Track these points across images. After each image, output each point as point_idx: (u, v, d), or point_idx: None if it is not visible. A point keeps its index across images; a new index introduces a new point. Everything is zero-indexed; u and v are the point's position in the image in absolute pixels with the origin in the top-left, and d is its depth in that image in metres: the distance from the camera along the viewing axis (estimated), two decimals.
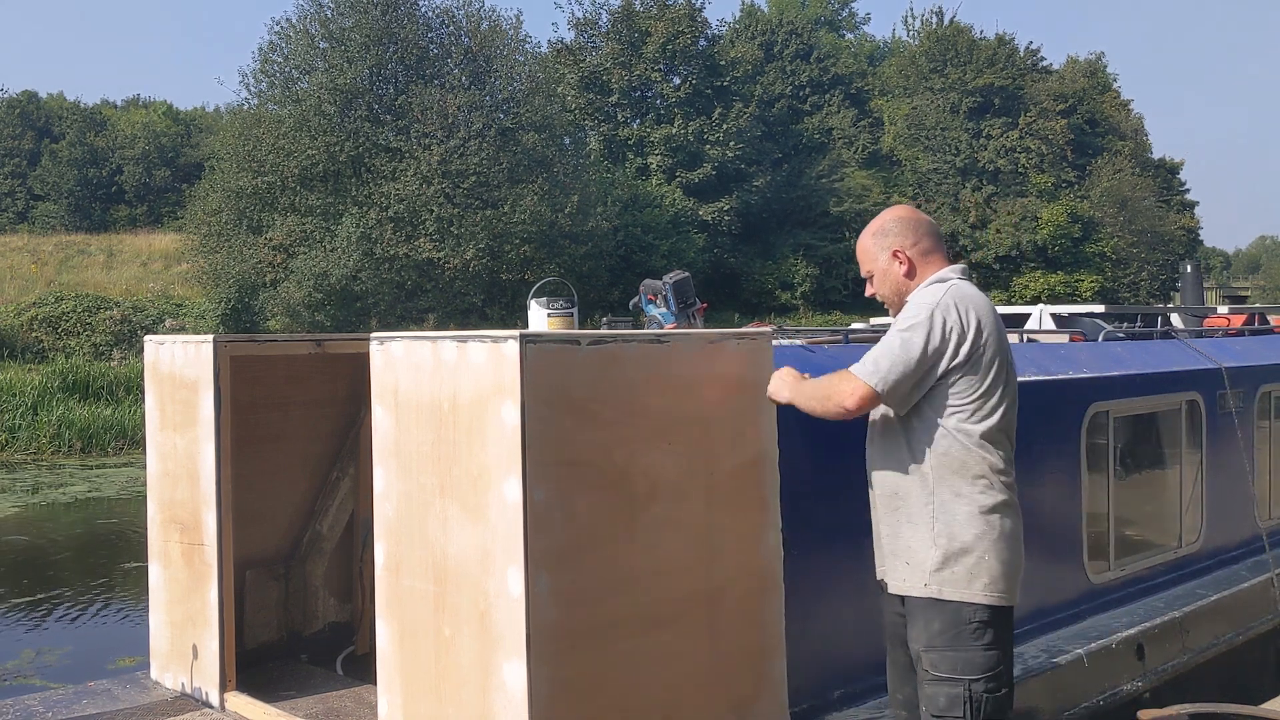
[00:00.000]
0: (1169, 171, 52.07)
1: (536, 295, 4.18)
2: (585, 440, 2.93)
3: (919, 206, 43.33)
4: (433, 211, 29.14)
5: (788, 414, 3.52)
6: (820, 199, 41.86)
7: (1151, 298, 43.72)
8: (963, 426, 3.07)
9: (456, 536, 3.00)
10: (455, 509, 3.00)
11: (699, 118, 39.32)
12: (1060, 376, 4.83)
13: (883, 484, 3.22)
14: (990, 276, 42.77)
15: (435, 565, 3.06)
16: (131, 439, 20.12)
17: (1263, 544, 6.07)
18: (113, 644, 9.00)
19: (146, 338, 4.42)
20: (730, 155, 39.00)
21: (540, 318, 4.09)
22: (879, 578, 3.31)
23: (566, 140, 34.91)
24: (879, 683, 3.60)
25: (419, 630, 3.13)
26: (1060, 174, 44.39)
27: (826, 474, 3.71)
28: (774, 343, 3.63)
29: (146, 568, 4.42)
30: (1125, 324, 8.60)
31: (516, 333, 2.83)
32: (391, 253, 28.79)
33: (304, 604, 4.78)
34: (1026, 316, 8.31)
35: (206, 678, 4.09)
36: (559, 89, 36.45)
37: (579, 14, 41.46)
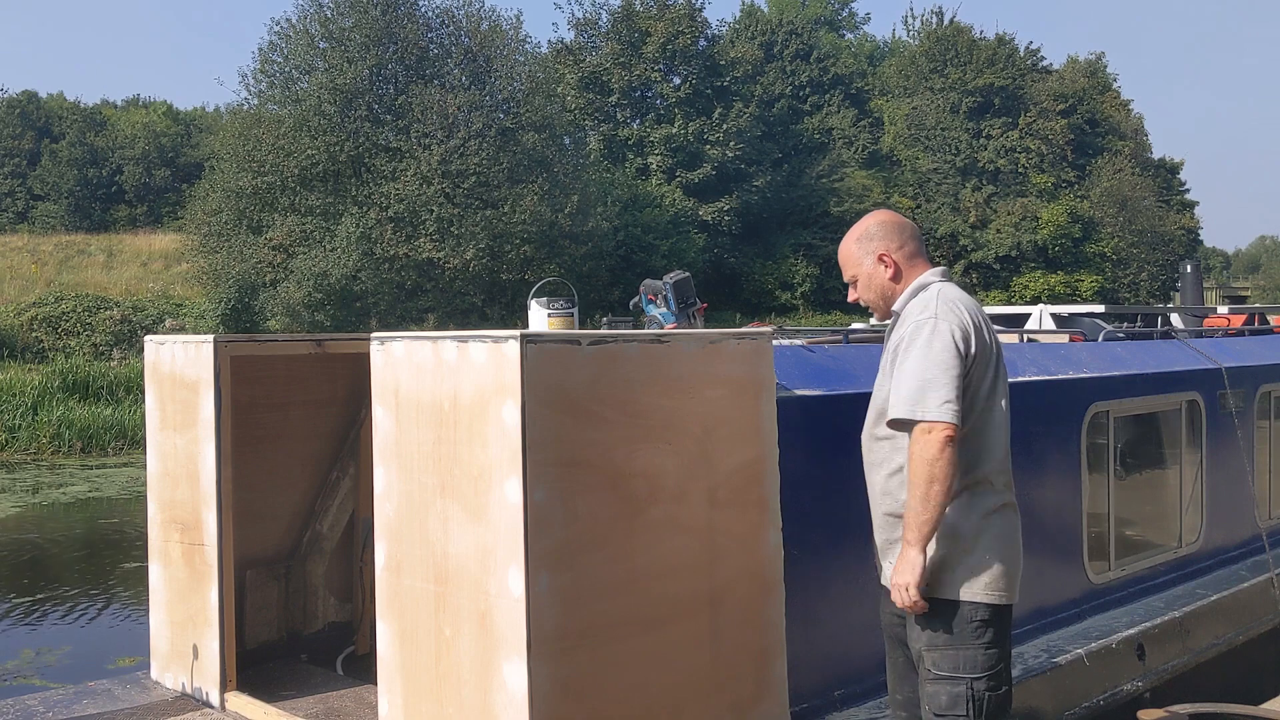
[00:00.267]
0: (1169, 171, 52.10)
1: (537, 295, 4.18)
2: (586, 440, 2.93)
3: (919, 206, 43.45)
4: (433, 211, 29.15)
5: (788, 414, 3.52)
6: (820, 199, 41.88)
7: (1151, 298, 43.73)
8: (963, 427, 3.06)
9: (457, 536, 3.00)
10: (456, 509, 3.00)
11: (699, 118, 39.33)
12: (1060, 376, 4.83)
13: (882, 485, 3.22)
14: (990, 276, 42.80)
15: (436, 565, 3.06)
16: (131, 439, 20.11)
17: (1263, 544, 6.07)
18: (113, 644, 9.00)
19: (147, 338, 4.42)
20: (730, 155, 39.02)
21: (540, 318, 4.09)
22: (881, 582, 3.32)
23: (566, 140, 34.91)
24: (879, 683, 3.61)
25: (419, 630, 3.13)
26: (1060, 174, 44.40)
27: (827, 474, 3.71)
28: (774, 343, 3.63)
29: (146, 568, 4.42)
30: (1125, 324, 8.60)
31: (517, 333, 2.83)
32: (391, 253, 28.80)
33: (304, 604, 4.78)
34: (1026, 316, 8.31)
35: (207, 678, 4.09)
36: (559, 89, 36.46)
37: (579, 14, 41.57)
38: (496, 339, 2.87)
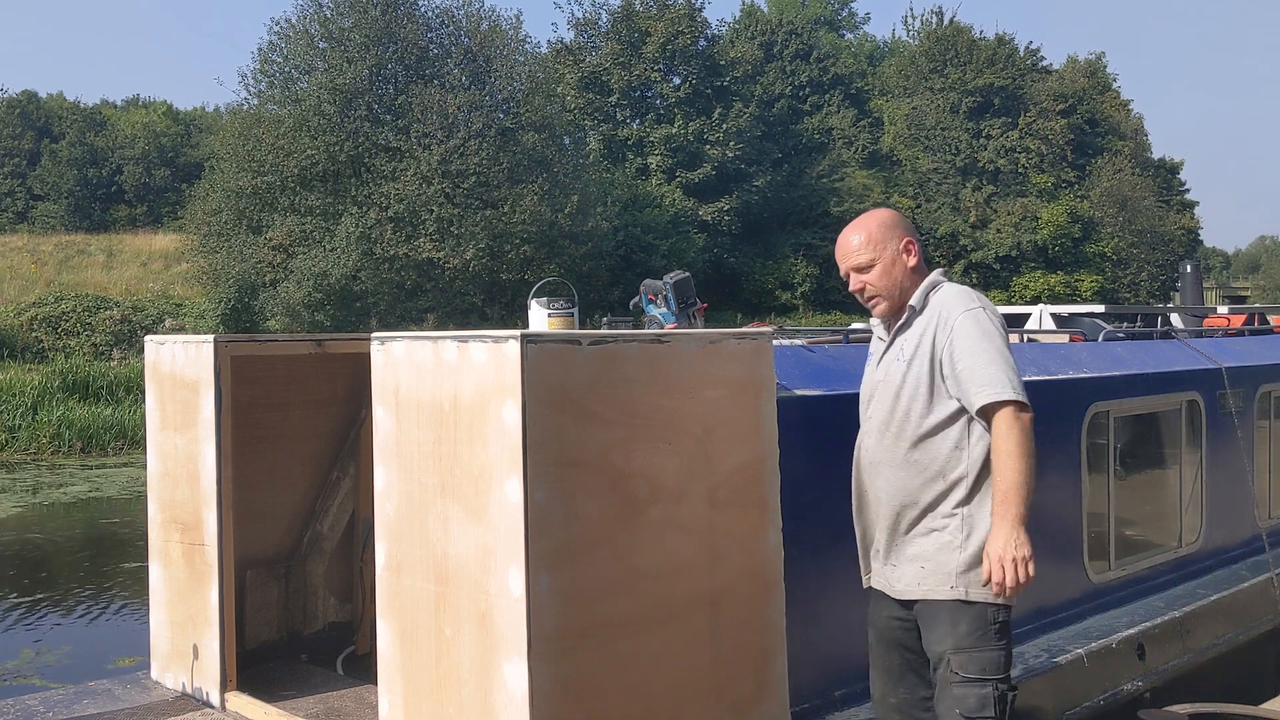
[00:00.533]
0: (1169, 171, 52.09)
1: (537, 295, 4.18)
2: (586, 440, 2.93)
3: (919, 206, 43.46)
4: (433, 211, 29.14)
5: (788, 413, 3.52)
6: (820, 199, 41.88)
7: (1151, 298, 43.74)
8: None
9: (457, 536, 3.00)
10: (456, 509, 3.00)
11: (699, 118, 39.32)
12: (1060, 376, 4.83)
13: (901, 490, 3.16)
14: (990, 276, 42.79)
15: (436, 565, 3.06)
16: (131, 439, 20.11)
17: (1263, 544, 6.07)
18: (113, 644, 8.99)
19: (147, 338, 4.42)
20: (730, 155, 39.01)
21: (540, 318, 4.09)
22: (872, 585, 3.31)
23: (566, 140, 34.89)
24: None
25: (420, 630, 3.13)
26: (1060, 174, 44.41)
27: (827, 474, 3.70)
28: (774, 343, 3.62)
29: (147, 568, 4.42)
30: (1125, 324, 8.61)
31: (517, 333, 2.83)
32: (391, 253, 28.79)
33: (304, 604, 4.78)
34: (1026, 316, 8.32)
35: (207, 678, 4.09)
36: (559, 89, 36.44)
37: (579, 14, 41.54)
38: (497, 339, 2.87)
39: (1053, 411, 4.76)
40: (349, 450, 4.81)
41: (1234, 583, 5.60)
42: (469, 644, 2.96)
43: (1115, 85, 52.36)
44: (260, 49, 36.05)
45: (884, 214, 3.32)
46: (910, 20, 75.60)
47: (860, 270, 3.24)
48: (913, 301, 3.20)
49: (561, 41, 41.11)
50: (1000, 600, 3.04)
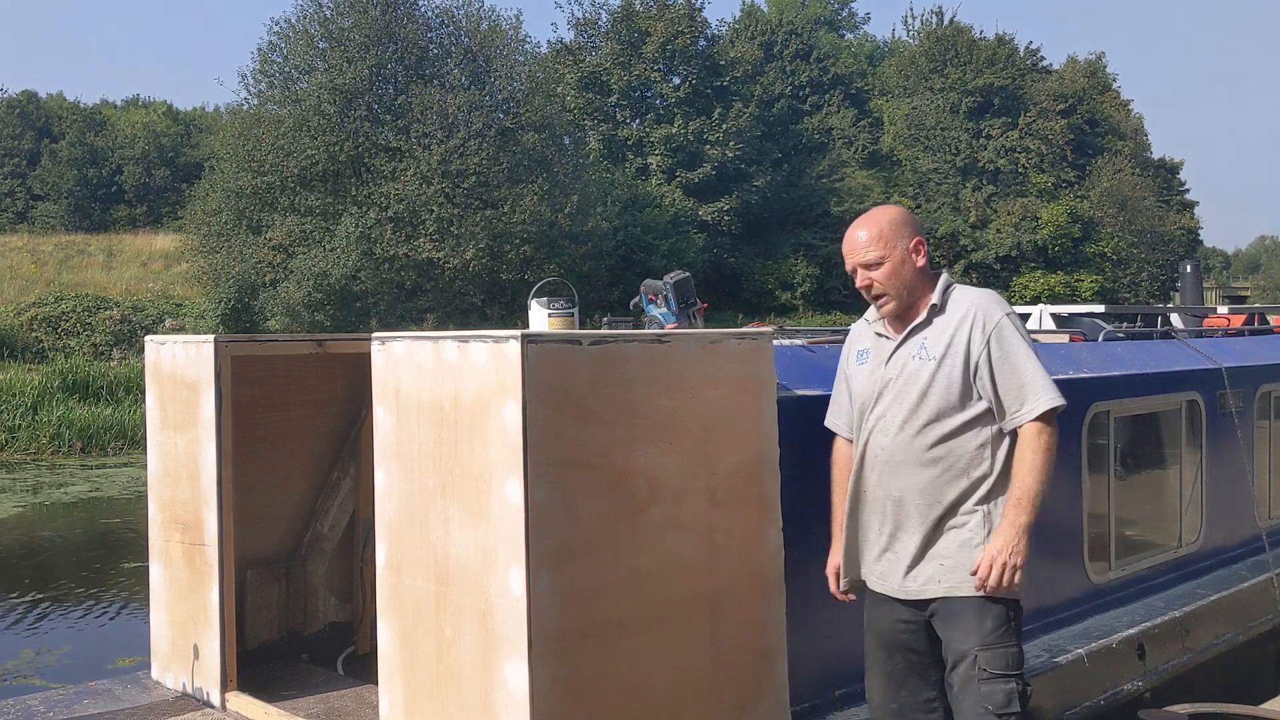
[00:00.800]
0: (1169, 171, 52.07)
1: (537, 295, 4.18)
2: (586, 440, 2.94)
3: (919, 206, 43.45)
4: (433, 211, 29.13)
5: (788, 414, 3.52)
6: (820, 199, 41.87)
7: (1151, 298, 43.73)
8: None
9: (458, 536, 3.00)
10: (457, 509, 3.00)
11: (699, 118, 39.30)
12: (1060, 376, 4.83)
13: (922, 488, 3.13)
14: (990, 276, 42.76)
15: (436, 565, 3.07)
16: (131, 439, 20.10)
17: (1263, 544, 6.07)
18: (113, 644, 8.99)
19: (147, 338, 4.43)
20: (730, 155, 38.99)
21: (541, 318, 4.09)
22: (873, 587, 3.29)
23: (566, 140, 34.88)
24: None
25: (420, 630, 3.13)
26: (1060, 174, 44.39)
27: (827, 474, 3.70)
28: (774, 343, 3.62)
29: (147, 568, 4.43)
30: (1125, 324, 8.61)
31: (518, 333, 2.83)
32: (391, 253, 28.78)
33: (305, 604, 4.78)
34: (1026, 316, 8.31)
35: (207, 677, 4.09)
36: (559, 89, 36.42)
37: (579, 14, 41.51)
38: (497, 339, 2.87)
39: None
40: (349, 450, 4.82)
41: (1234, 583, 5.60)
42: (469, 644, 2.96)
43: (1115, 85, 52.36)
44: (260, 49, 35.99)
45: (895, 211, 3.28)
46: (910, 20, 75.64)
47: (868, 267, 3.21)
48: (934, 300, 3.18)
49: (561, 41, 41.12)
50: (1018, 597, 3.08)
